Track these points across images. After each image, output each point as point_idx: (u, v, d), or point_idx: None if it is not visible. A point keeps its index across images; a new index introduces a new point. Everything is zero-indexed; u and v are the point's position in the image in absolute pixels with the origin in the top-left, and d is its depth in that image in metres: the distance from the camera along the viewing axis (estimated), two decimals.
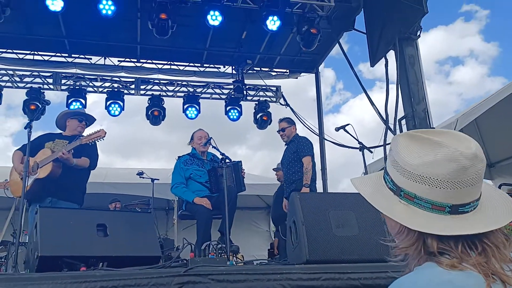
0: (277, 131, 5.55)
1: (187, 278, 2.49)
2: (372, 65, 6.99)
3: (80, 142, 4.08)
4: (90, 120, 4.67)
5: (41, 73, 7.94)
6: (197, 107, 8.39)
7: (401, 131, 6.25)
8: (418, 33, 6.55)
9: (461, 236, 0.88)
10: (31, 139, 3.89)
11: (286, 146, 5.49)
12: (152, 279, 2.44)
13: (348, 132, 4.55)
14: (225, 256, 2.89)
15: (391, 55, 6.66)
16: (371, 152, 4.93)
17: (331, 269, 2.66)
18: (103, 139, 4.11)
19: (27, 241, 5.50)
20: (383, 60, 6.70)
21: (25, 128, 3.70)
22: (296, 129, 5.59)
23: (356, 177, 1.11)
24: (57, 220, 2.94)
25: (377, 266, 2.72)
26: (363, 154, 4.76)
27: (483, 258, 0.86)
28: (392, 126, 6.28)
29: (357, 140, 4.46)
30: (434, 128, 5.60)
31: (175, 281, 2.46)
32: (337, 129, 4.65)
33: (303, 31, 6.50)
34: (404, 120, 6.25)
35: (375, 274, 2.65)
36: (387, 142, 6.15)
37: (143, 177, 7.17)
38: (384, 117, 6.17)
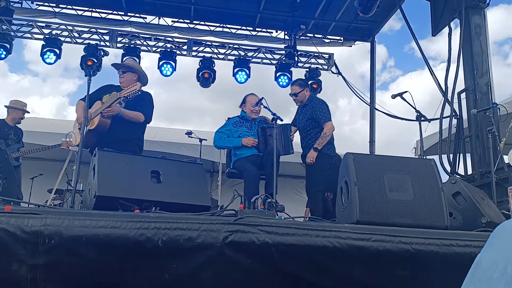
0: (290, 94, 5.16)
1: (237, 227, 2.51)
2: (434, 34, 6.65)
3: (119, 95, 4.12)
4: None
5: (99, 30, 8.14)
6: (247, 72, 8.34)
7: (459, 105, 5.96)
8: (487, 1, 6.14)
9: None
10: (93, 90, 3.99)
11: (299, 109, 5.13)
12: (203, 224, 2.49)
13: (405, 100, 4.38)
14: (274, 210, 2.90)
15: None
16: (429, 122, 4.72)
17: (382, 231, 2.59)
18: (139, 93, 4.08)
19: (81, 189, 5.79)
20: (443, 35, 6.39)
21: (85, 75, 3.79)
22: (309, 91, 5.18)
23: None
24: (114, 163, 3.04)
25: (430, 232, 2.63)
26: (420, 125, 4.56)
27: None
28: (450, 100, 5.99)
29: (415, 108, 4.29)
30: (496, 104, 5.29)
31: (225, 229, 2.50)
32: (394, 96, 4.47)
33: None
34: (464, 93, 5.95)
35: (428, 240, 2.57)
36: (443, 116, 5.89)
37: (191, 137, 7.29)
38: (444, 90, 5.88)
